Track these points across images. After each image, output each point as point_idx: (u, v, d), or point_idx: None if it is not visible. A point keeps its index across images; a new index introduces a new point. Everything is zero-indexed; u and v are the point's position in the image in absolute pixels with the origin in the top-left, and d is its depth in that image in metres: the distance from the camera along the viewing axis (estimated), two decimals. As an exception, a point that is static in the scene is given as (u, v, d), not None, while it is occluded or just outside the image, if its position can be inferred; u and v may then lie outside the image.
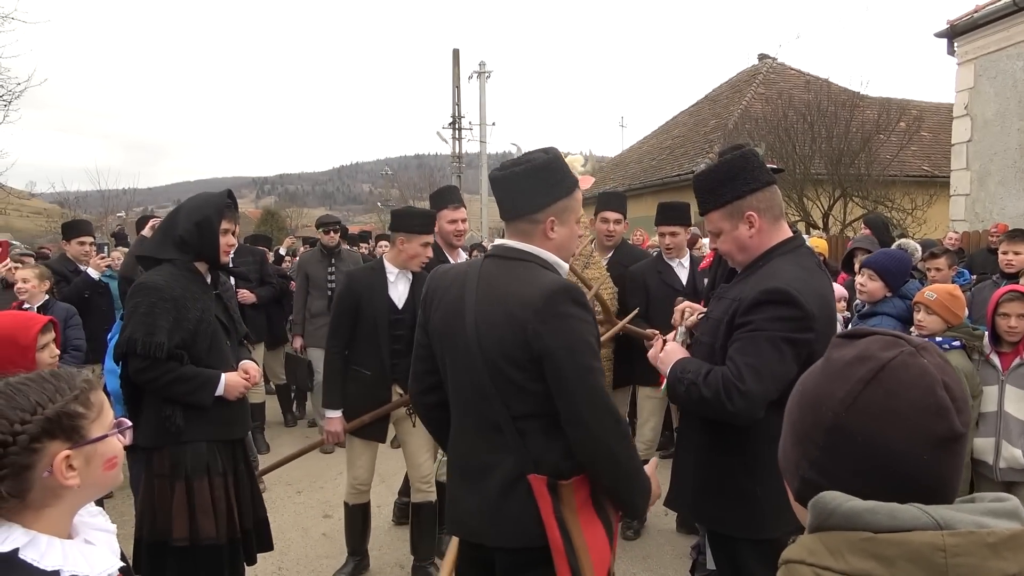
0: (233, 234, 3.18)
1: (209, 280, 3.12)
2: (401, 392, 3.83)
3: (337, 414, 3.79)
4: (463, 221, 4.35)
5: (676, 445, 2.54)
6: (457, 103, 27.17)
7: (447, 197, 4.42)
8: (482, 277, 2.01)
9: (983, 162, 10.52)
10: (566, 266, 2.10)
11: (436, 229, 4.28)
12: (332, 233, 6.83)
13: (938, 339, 3.43)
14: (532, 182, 2.00)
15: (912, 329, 3.59)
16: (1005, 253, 5.01)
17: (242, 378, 3.06)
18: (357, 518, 4.01)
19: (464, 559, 2.20)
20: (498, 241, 2.16)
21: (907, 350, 0.90)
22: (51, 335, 3.08)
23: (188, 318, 2.92)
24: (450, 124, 27.42)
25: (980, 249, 7.39)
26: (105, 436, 1.39)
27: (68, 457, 1.32)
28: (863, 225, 6.07)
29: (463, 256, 4.51)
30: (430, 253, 3.82)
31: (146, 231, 5.08)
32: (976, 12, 10.51)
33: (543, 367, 1.86)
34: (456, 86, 26.92)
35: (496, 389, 1.92)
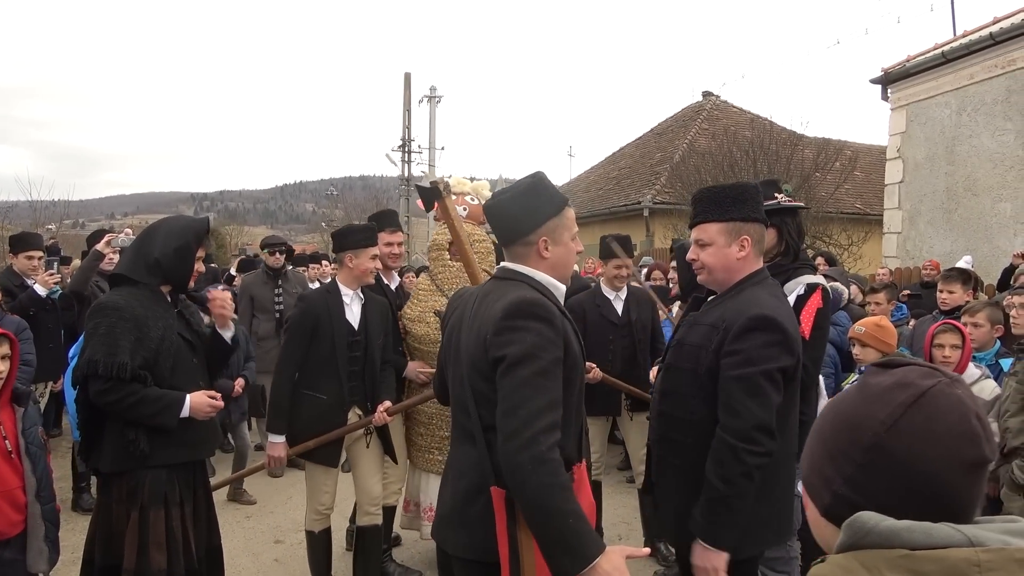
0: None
1: (170, 299, 3.08)
2: (359, 415, 3.79)
3: (281, 439, 3.70)
4: (399, 245, 4.40)
5: (653, 471, 2.55)
6: (407, 126, 27.18)
7: (385, 220, 4.43)
8: (479, 297, 2.10)
9: (914, 202, 11.08)
10: (562, 287, 2.13)
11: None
12: (278, 254, 6.72)
13: (877, 369, 3.62)
14: (520, 206, 2.07)
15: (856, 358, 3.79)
16: (941, 292, 5.29)
17: (209, 398, 3.01)
18: (321, 545, 3.91)
19: (441, 565, 2.23)
20: (501, 264, 2.20)
21: (944, 380, 0.96)
22: (5, 348, 2.99)
23: (150, 337, 2.88)
24: (399, 147, 27.40)
25: (913, 284, 7.78)
26: None
27: None
28: (822, 261, 6.35)
29: (396, 279, 4.55)
30: (379, 265, 3.81)
31: (101, 246, 4.95)
32: (908, 61, 11.14)
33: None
34: (407, 109, 26.94)
35: (472, 400, 1.97)
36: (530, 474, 1.75)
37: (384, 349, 3.90)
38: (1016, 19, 9.63)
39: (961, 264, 7.72)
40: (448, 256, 4.09)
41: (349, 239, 3.78)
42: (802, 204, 3.93)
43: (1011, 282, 7.19)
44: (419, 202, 4.11)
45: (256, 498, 5.71)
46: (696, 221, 2.40)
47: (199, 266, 3.10)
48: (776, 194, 3.51)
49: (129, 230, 5.54)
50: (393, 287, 4.45)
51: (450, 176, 4.37)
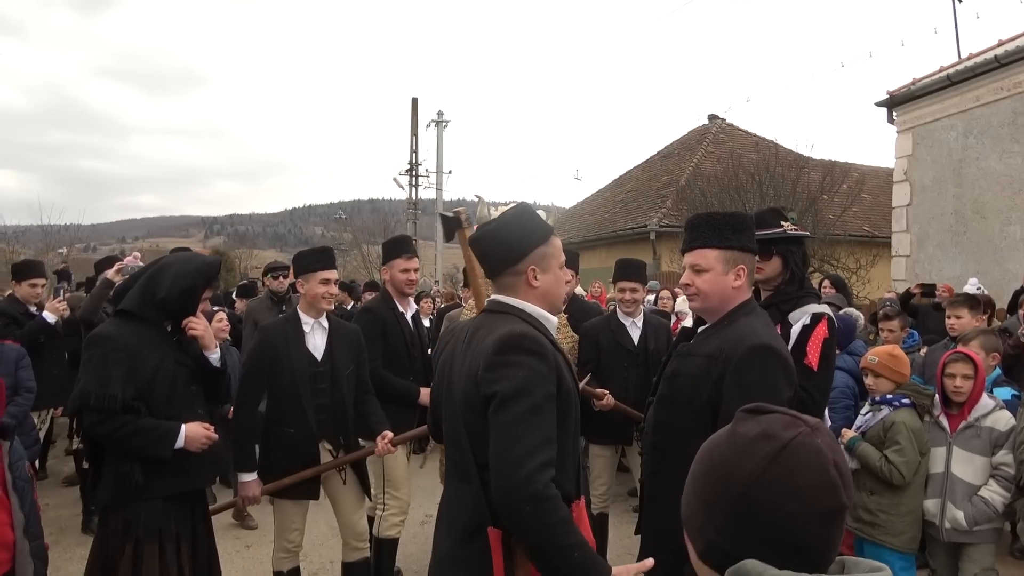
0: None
1: (169, 328, 3.06)
2: (331, 450, 3.64)
3: (251, 476, 3.52)
4: (415, 271, 4.32)
5: (645, 510, 2.49)
6: (415, 150, 27.38)
7: (401, 247, 4.34)
8: (470, 332, 2.06)
9: (922, 225, 11.02)
10: (554, 320, 2.09)
11: (387, 278, 4.31)
12: (282, 279, 6.64)
13: (888, 397, 3.55)
14: (506, 235, 2.04)
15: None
16: (949, 318, 5.22)
17: (203, 428, 2.97)
18: None
19: None
20: (492, 297, 2.16)
21: (805, 430, 1.00)
22: None
23: (144, 367, 2.85)
24: (407, 171, 27.56)
25: (923, 308, 7.69)
26: None
27: None
28: (828, 284, 6.26)
29: (414, 306, 4.47)
30: (333, 290, 3.67)
31: (111, 274, 4.95)
32: (913, 84, 11.14)
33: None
34: (414, 134, 27.16)
35: (465, 436, 1.94)
36: (530, 515, 1.72)
37: (359, 379, 3.77)
38: (1021, 42, 9.63)
39: (968, 287, 7.65)
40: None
41: (299, 263, 3.69)
42: (807, 233, 3.88)
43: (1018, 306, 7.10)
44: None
45: (257, 523, 5.62)
46: (693, 246, 2.35)
47: (205, 305, 3.08)
48: (782, 222, 3.48)
49: (138, 253, 5.53)
50: (410, 315, 4.33)
51: (477, 199, 4.38)
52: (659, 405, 2.42)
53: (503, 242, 2.04)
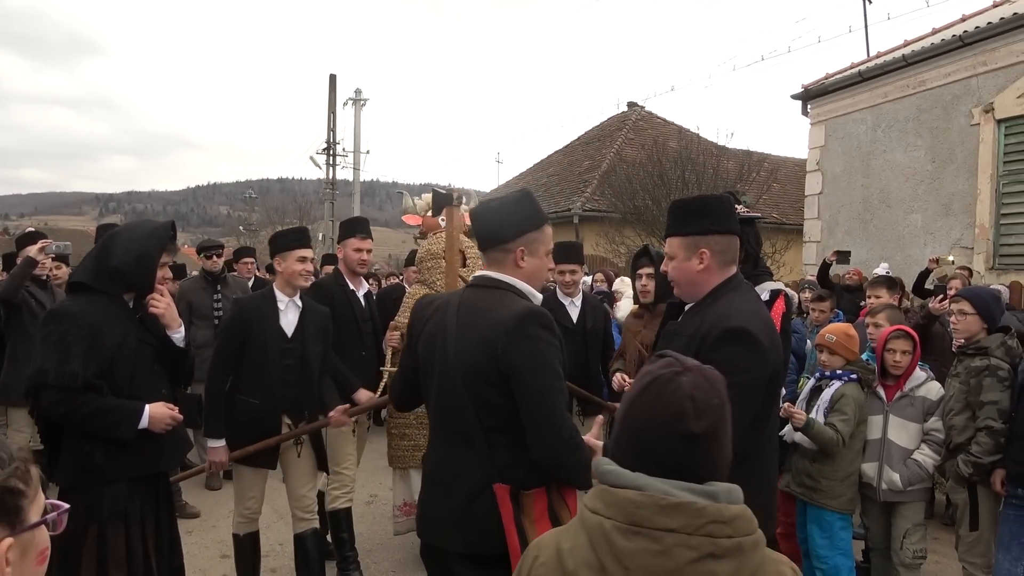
0: (169, 266, 3.05)
1: (132, 305, 2.93)
2: (290, 424, 3.73)
3: (220, 443, 3.64)
4: (368, 252, 4.41)
5: None
6: (332, 128, 26.71)
7: (356, 227, 4.44)
8: (462, 305, 2.18)
9: (832, 213, 11.66)
10: (539, 296, 2.25)
11: (342, 256, 4.41)
12: (215, 258, 6.48)
13: (839, 372, 3.79)
14: (504, 215, 2.21)
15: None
16: (869, 297, 5.59)
17: (167, 408, 2.88)
18: (248, 548, 3.87)
19: (430, 562, 2.27)
20: (478, 272, 2.29)
21: (675, 369, 1.22)
22: None
23: (105, 344, 2.73)
24: (324, 150, 26.87)
25: (838, 288, 8.21)
26: (43, 522, 1.08)
27: (9, 547, 1.01)
28: None
29: (365, 286, 4.56)
30: (310, 267, 3.79)
31: (34, 253, 4.66)
32: (827, 79, 11.73)
33: (511, 384, 2.02)
34: (332, 111, 26.48)
35: (471, 404, 2.07)
36: (575, 463, 2.03)
37: (324, 359, 3.87)
38: (926, 42, 10.29)
39: (879, 270, 8.19)
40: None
41: (277, 243, 3.84)
42: (759, 215, 4.08)
43: (928, 286, 7.67)
44: (419, 201, 4.20)
45: (199, 510, 5.49)
46: (665, 235, 2.45)
47: (164, 272, 2.98)
48: (736, 206, 3.65)
49: (69, 243, 5.27)
50: (361, 293, 4.42)
51: (401, 194, 4.55)
52: None
53: (501, 219, 2.20)
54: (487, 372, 2.04)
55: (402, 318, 4.28)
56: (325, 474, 4.14)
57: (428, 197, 4.61)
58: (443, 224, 4.21)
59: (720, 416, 1.21)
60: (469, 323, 2.11)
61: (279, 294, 3.75)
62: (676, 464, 1.17)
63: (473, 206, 4.56)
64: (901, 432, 3.76)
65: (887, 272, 8.07)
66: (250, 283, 7.18)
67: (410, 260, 7.30)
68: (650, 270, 4.17)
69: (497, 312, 2.08)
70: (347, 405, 3.80)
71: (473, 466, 2.07)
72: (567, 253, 4.73)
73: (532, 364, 2.01)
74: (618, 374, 4.14)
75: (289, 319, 3.74)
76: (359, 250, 4.32)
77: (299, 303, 3.78)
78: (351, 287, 4.36)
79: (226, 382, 3.66)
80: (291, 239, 3.79)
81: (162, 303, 2.96)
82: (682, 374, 1.21)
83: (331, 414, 3.79)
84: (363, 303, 4.41)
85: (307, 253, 3.77)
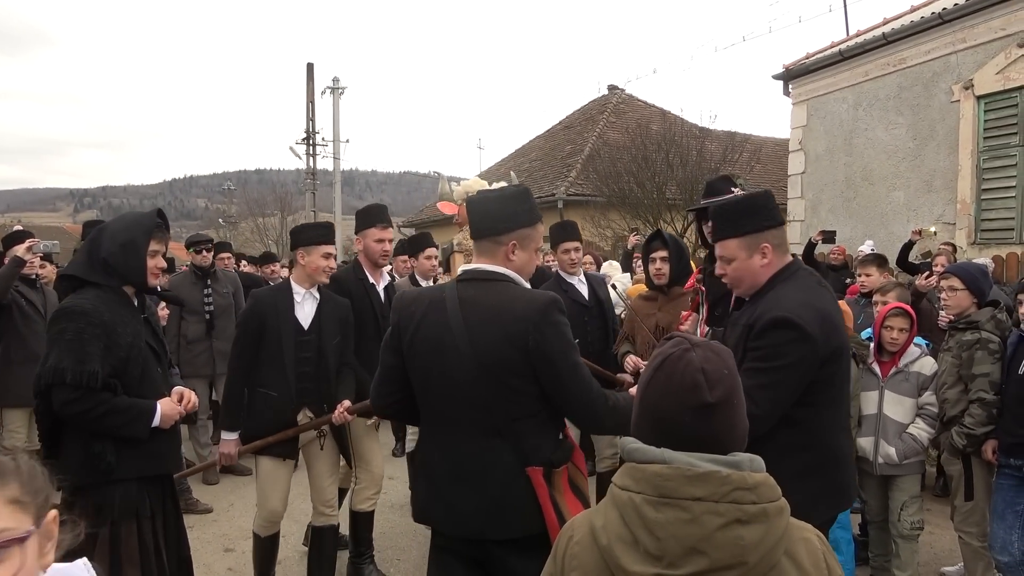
0: (164, 256, 3.00)
1: (136, 303, 2.92)
2: (311, 415, 3.72)
3: (233, 436, 3.66)
4: (390, 242, 4.21)
5: None
6: (311, 118, 26.42)
7: (376, 216, 4.20)
8: (463, 300, 2.20)
9: (815, 192, 11.75)
10: (528, 287, 2.33)
11: (361, 248, 4.20)
12: (205, 252, 6.45)
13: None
14: (500, 207, 2.28)
15: None
16: (860, 276, 5.67)
17: (175, 404, 2.88)
18: (267, 549, 3.87)
19: (453, 556, 2.28)
20: (467, 266, 2.32)
21: (684, 346, 1.29)
22: None
23: (119, 344, 2.71)
24: (303, 140, 26.59)
25: (823, 266, 8.30)
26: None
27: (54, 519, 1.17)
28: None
29: (387, 278, 4.35)
30: (333, 264, 3.75)
31: (22, 252, 4.60)
32: (808, 59, 11.78)
33: (537, 370, 2.12)
34: (310, 101, 26.18)
35: (496, 397, 2.13)
36: (613, 421, 2.22)
37: (343, 352, 3.84)
38: (905, 20, 10.37)
39: (864, 248, 8.29)
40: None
41: (302, 235, 3.78)
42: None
43: (912, 259, 7.78)
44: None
45: (208, 505, 5.48)
46: (717, 238, 2.51)
47: (157, 261, 2.90)
48: (732, 188, 3.69)
49: (57, 242, 5.21)
50: (382, 286, 4.23)
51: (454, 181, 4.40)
52: None
53: (496, 211, 2.28)
54: (515, 365, 2.12)
55: None
56: (350, 469, 4.13)
57: (468, 183, 4.44)
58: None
59: (731, 385, 1.27)
60: (481, 319, 2.14)
61: (296, 286, 3.73)
62: (696, 435, 1.23)
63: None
64: (896, 407, 3.83)
65: (872, 249, 8.17)
66: (236, 277, 7.17)
67: (399, 250, 7.27)
68: (664, 253, 4.18)
69: (512, 305, 2.15)
70: (348, 403, 3.73)
71: (504, 454, 2.14)
72: (565, 232, 4.70)
73: (561, 349, 2.13)
74: (630, 356, 4.17)
75: (306, 311, 3.72)
76: (381, 240, 4.12)
77: (316, 295, 3.76)
78: (371, 280, 4.18)
79: (246, 375, 3.66)
80: (318, 234, 3.75)
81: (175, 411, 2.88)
82: (691, 350, 1.27)
83: (334, 412, 3.72)
84: (382, 297, 4.20)
85: (331, 249, 3.76)
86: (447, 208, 4.45)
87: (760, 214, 2.43)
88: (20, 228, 4.90)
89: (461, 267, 2.37)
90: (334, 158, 26.75)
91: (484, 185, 4.29)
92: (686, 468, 1.19)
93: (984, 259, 7.28)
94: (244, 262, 9.68)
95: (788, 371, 2.20)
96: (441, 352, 2.19)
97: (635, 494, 1.21)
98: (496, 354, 2.11)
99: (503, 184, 4.45)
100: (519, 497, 2.13)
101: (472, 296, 2.19)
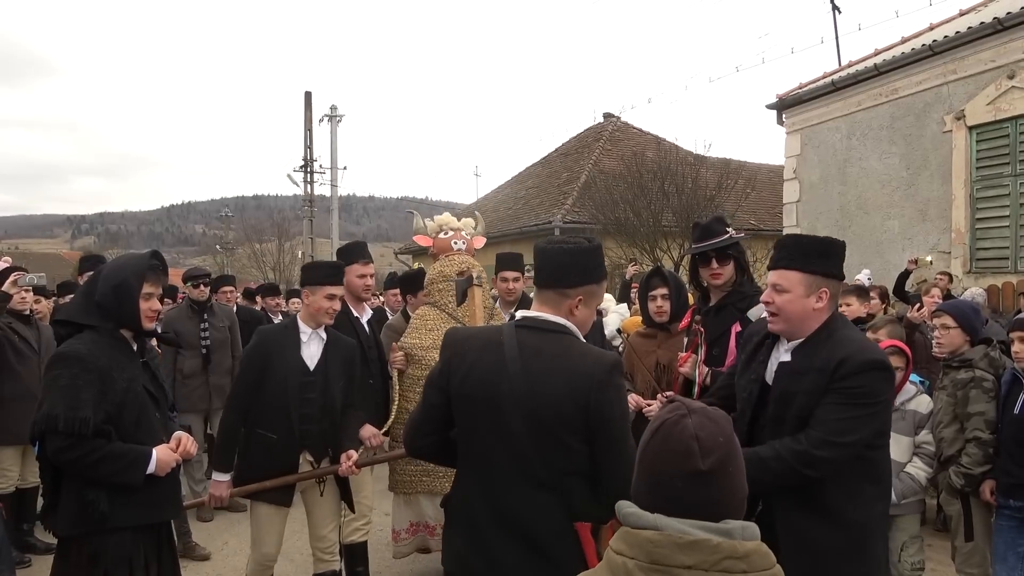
0: (160, 299, 2.98)
1: (136, 347, 2.90)
2: (312, 461, 3.63)
3: (226, 477, 3.57)
4: (371, 276, 4.40)
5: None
6: (309, 146, 26.59)
7: (357, 253, 4.41)
8: (523, 346, 2.13)
9: (810, 220, 11.81)
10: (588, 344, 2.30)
11: (344, 282, 4.17)
12: (203, 287, 6.43)
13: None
14: (574, 260, 2.19)
15: None
16: (840, 306, 5.68)
17: (172, 450, 2.84)
18: None
19: None
20: (525, 313, 2.26)
21: (681, 412, 1.30)
22: None
23: (115, 390, 2.69)
24: (301, 167, 26.73)
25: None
26: None
27: None
28: None
29: (368, 311, 4.51)
30: (337, 306, 3.70)
31: (7, 286, 4.59)
32: (801, 88, 11.92)
33: (592, 431, 2.06)
34: (308, 128, 26.35)
35: (549, 449, 2.07)
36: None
37: (347, 393, 3.77)
38: (896, 51, 10.50)
39: (860, 277, 8.32)
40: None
41: (307, 274, 3.76)
42: (743, 234, 4.16)
43: (906, 289, 7.80)
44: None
45: (205, 551, 5.36)
46: (778, 266, 2.45)
47: (152, 304, 2.87)
48: (727, 229, 3.70)
49: (43, 274, 5.20)
50: (365, 319, 4.37)
51: (442, 216, 4.57)
52: (772, 426, 2.44)
53: (570, 264, 2.19)
54: (572, 421, 2.05)
55: (409, 339, 4.23)
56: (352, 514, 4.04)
57: (440, 218, 4.60)
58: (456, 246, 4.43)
59: (727, 452, 1.27)
60: (542, 368, 2.08)
61: (302, 325, 3.66)
62: (690, 502, 1.23)
63: (480, 229, 4.65)
64: (894, 446, 3.76)
65: (868, 278, 8.21)
66: (233, 311, 7.14)
67: (389, 283, 7.25)
68: (664, 291, 4.16)
69: (579, 361, 2.09)
70: (355, 454, 3.66)
71: (552, 509, 2.08)
72: (508, 261, 4.83)
73: (620, 416, 2.10)
74: (632, 395, 4.15)
75: (311, 351, 3.64)
76: (363, 276, 4.30)
77: (323, 335, 3.69)
78: (355, 314, 4.28)
79: (244, 415, 3.57)
80: (324, 274, 3.69)
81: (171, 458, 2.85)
82: (687, 416, 1.29)
83: (341, 465, 3.64)
84: (367, 329, 4.34)
85: (337, 291, 3.67)
86: (423, 240, 4.65)
87: (831, 260, 2.42)
88: (6, 264, 4.87)
89: (520, 313, 2.31)
90: (332, 185, 26.91)
91: (454, 221, 4.56)
92: (677, 536, 1.20)
93: (978, 288, 7.31)
94: (239, 296, 9.63)
95: (882, 411, 2.31)
96: (495, 398, 2.11)
97: (628, 559, 1.22)
98: (555, 407, 2.05)
99: (469, 221, 4.60)
100: (567, 552, 2.07)
101: (535, 345, 2.12)
